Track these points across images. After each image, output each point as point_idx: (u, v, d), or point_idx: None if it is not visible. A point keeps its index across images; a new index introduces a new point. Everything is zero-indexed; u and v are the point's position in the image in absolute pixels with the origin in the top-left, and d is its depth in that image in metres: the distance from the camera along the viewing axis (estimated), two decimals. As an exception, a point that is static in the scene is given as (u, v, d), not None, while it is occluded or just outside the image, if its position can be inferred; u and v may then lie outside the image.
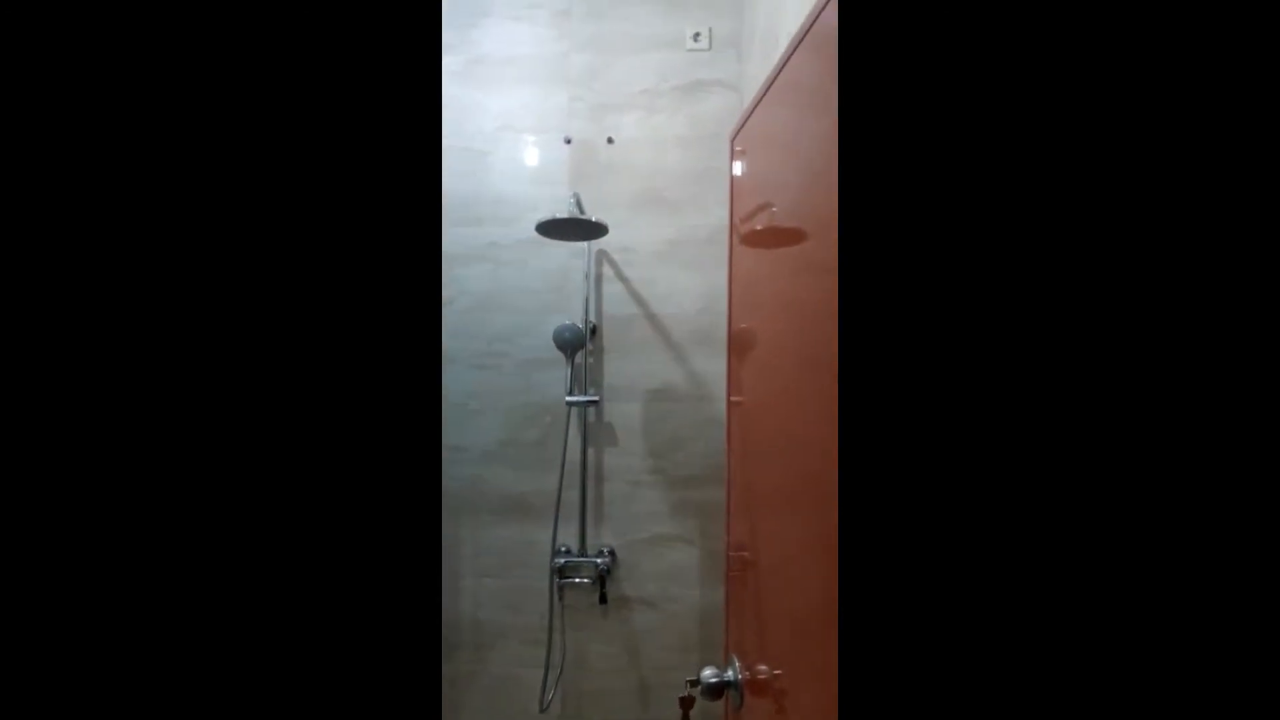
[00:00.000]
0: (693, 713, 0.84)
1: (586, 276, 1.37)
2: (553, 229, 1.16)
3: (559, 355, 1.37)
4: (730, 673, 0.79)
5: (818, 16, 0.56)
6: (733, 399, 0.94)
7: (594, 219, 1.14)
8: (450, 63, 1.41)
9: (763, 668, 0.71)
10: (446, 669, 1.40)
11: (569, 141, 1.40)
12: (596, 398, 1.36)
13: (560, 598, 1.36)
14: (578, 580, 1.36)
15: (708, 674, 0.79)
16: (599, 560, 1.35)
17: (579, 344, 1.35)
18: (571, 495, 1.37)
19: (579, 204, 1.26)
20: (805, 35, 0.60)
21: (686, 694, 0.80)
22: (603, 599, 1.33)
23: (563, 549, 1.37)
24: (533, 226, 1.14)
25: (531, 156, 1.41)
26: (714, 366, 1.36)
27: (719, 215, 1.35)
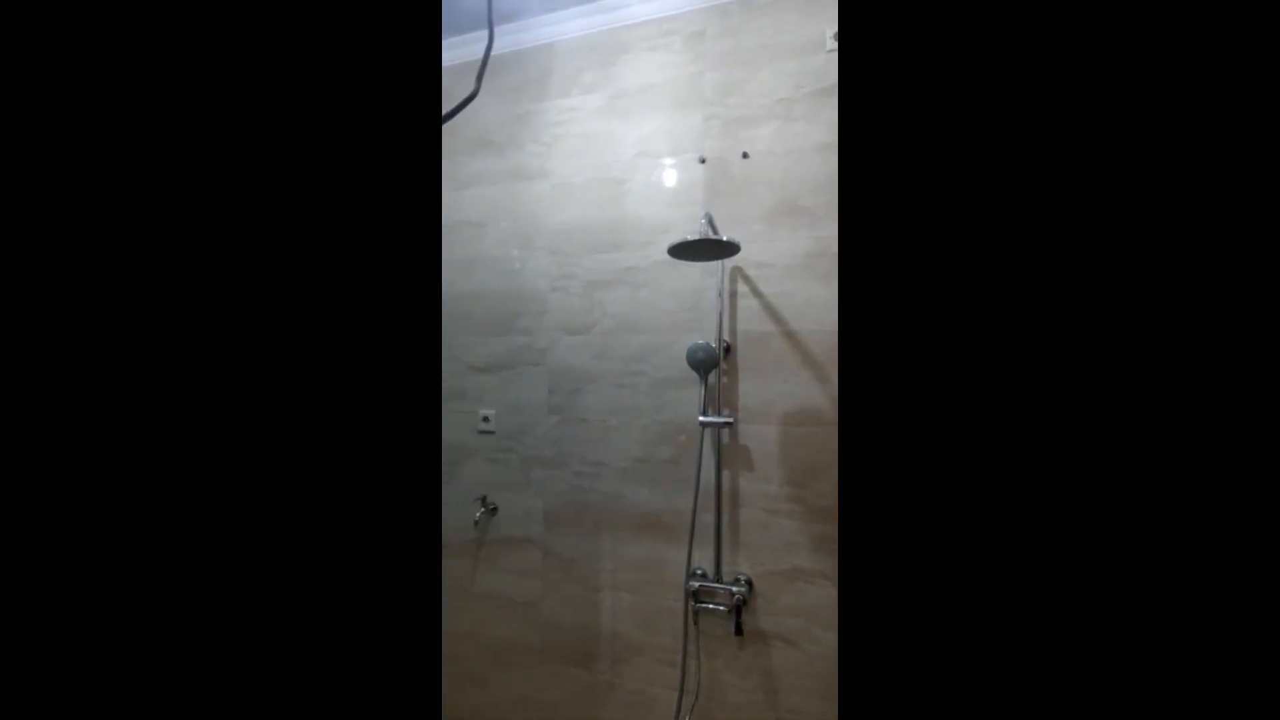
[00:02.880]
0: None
1: (720, 294, 1.35)
2: (684, 251, 1.17)
3: (692, 375, 1.36)
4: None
5: None
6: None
7: (725, 238, 1.12)
8: (593, 100, 1.51)
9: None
10: (586, 676, 1.46)
11: (703, 161, 1.40)
12: (731, 419, 1.33)
13: (695, 622, 1.34)
14: (712, 606, 1.32)
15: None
16: (735, 589, 1.29)
17: (712, 363, 1.33)
18: (706, 518, 1.34)
19: (711, 223, 1.25)
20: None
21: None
22: (738, 630, 1.28)
23: (698, 572, 1.34)
24: (666, 250, 1.16)
25: (667, 179, 1.43)
26: (861, 388, 1.23)
27: (866, 222, 1.24)
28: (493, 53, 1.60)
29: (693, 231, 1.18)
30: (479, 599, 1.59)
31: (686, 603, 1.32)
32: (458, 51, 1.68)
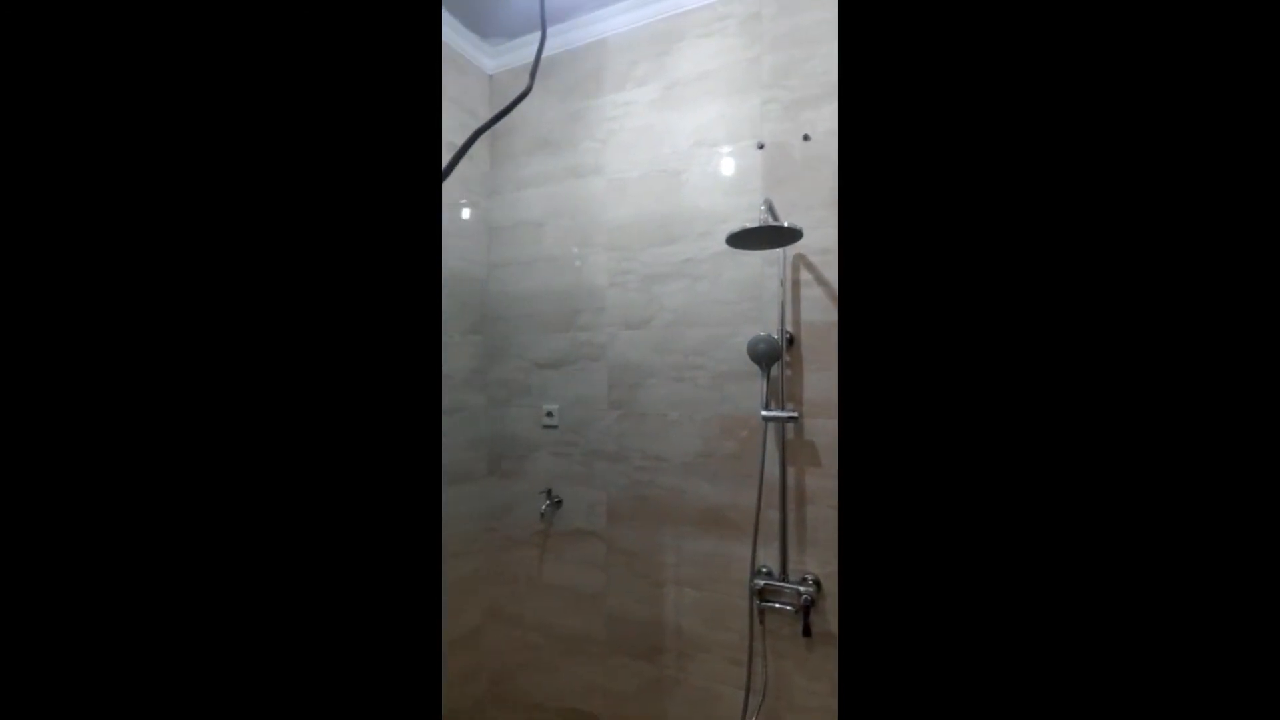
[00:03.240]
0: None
1: (782, 284, 1.30)
2: (743, 239, 1.13)
3: (754, 368, 1.32)
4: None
5: None
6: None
7: (786, 224, 1.07)
8: (647, 93, 1.50)
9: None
10: (651, 670, 1.46)
11: (762, 146, 1.35)
12: (795, 413, 1.28)
13: (761, 621, 1.31)
14: (779, 606, 1.29)
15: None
16: (802, 588, 1.25)
17: (774, 356, 1.28)
18: (771, 515, 1.30)
19: (771, 210, 1.20)
20: None
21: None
22: (806, 631, 1.23)
23: (763, 570, 1.31)
24: (724, 239, 1.13)
25: (724, 168, 1.40)
26: (939, 379, 1.15)
27: (941, 200, 1.15)
28: (547, 54, 1.62)
29: (752, 219, 1.15)
30: (547, 589, 1.63)
31: (751, 601, 1.29)
32: (513, 55, 1.72)
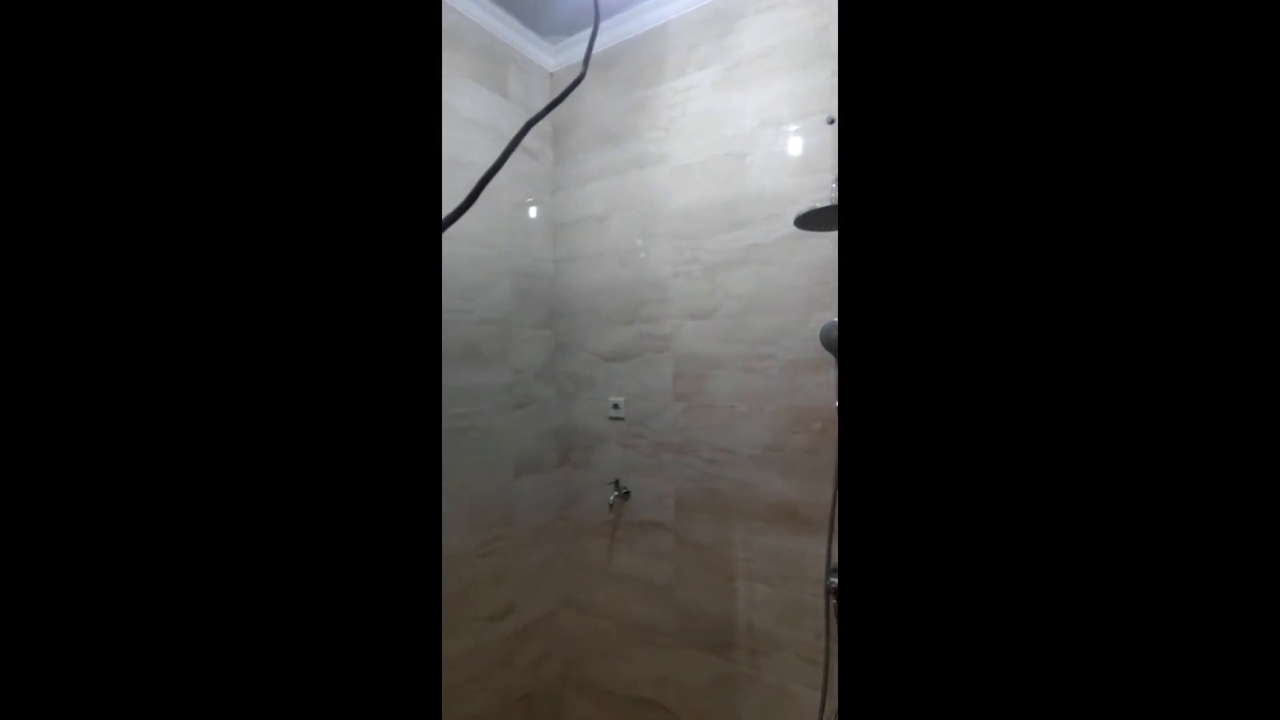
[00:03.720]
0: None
1: (857, 267, 1.22)
2: (813, 220, 1.07)
3: (828, 356, 1.26)
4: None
5: None
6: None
7: (860, 201, 1.00)
8: (709, 75, 1.46)
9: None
10: (724, 664, 1.44)
11: (832, 121, 1.27)
12: (873, 403, 1.20)
13: (838, 620, 1.25)
14: (857, 606, 1.22)
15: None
16: (883, 588, 1.18)
17: (850, 343, 1.21)
18: (847, 510, 1.23)
19: (843, 187, 1.13)
20: None
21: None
22: (889, 634, 1.16)
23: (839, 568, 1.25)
24: (793, 221, 1.08)
25: (793, 146, 1.33)
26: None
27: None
28: (606, 46, 1.62)
29: (823, 198, 1.08)
30: (617, 578, 1.65)
31: (828, 600, 1.24)
32: (573, 51, 1.73)
